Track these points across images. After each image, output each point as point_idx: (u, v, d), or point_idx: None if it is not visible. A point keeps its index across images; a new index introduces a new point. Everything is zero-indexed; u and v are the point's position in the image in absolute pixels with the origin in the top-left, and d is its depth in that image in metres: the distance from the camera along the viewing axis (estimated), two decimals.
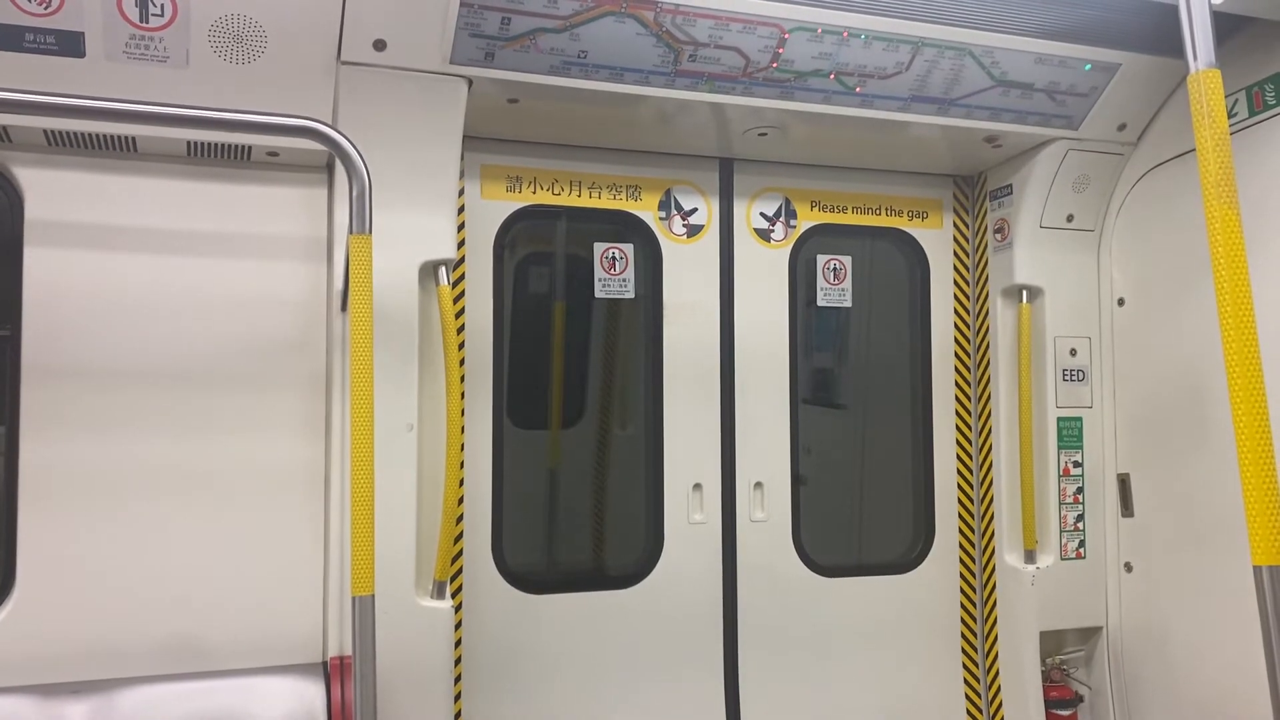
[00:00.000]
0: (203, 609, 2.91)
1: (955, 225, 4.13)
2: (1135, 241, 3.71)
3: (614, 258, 3.70)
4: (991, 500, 3.94)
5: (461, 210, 3.37)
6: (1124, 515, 3.75)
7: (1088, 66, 3.34)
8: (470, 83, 2.95)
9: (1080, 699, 3.84)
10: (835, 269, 4.00)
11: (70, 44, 2.57)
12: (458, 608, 3.30)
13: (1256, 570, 1.91)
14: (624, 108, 3.24)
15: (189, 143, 2.88)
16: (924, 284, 4.10)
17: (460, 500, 3.29)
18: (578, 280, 3.75)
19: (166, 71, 2.66)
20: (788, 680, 3.80)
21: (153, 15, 2.59)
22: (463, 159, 3.15)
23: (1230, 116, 3.20)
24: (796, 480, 3.86)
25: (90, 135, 2.80)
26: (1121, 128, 3.61)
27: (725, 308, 3.80)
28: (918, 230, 4.09)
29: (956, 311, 4.11)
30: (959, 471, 4.08)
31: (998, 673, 3.93)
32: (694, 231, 3.79)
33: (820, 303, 3.99)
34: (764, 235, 3.88)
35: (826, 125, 3.43)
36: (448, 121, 2.97)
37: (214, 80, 2.70)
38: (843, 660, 3.87)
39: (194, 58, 2.66)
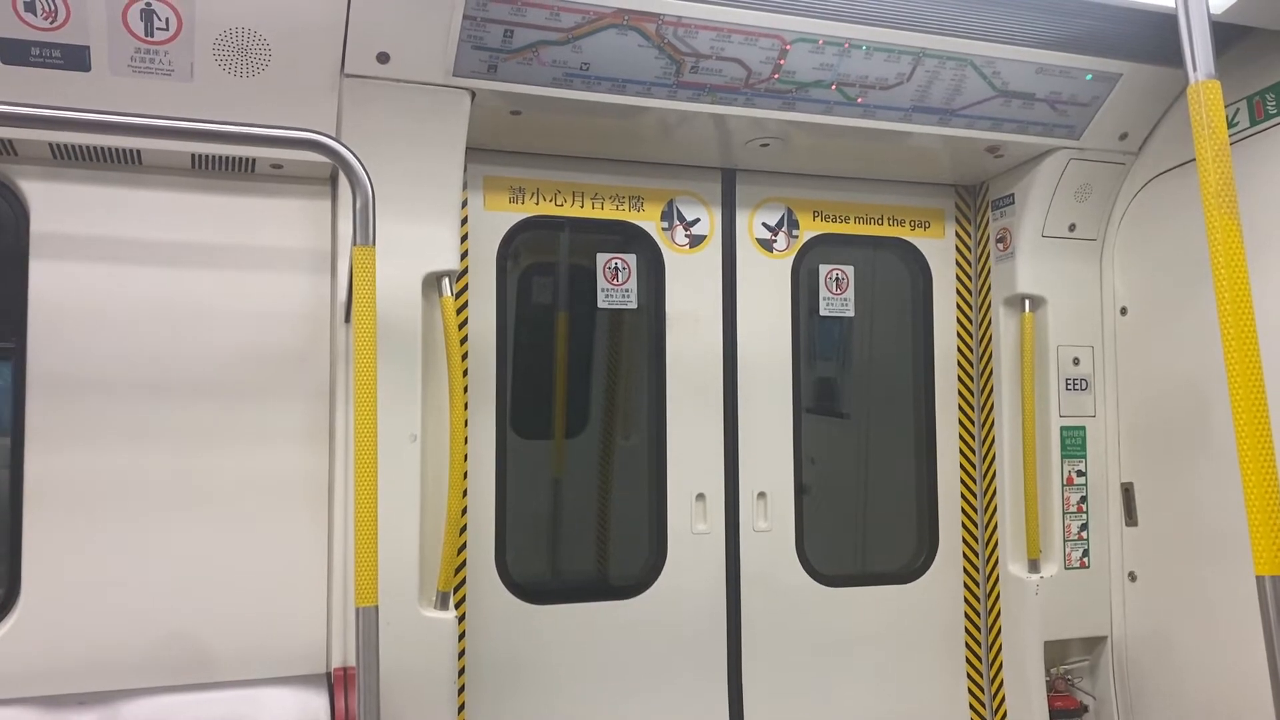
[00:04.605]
0: (207, 620, 2.92)
1: (957, 235, 4.13)
2: (1137, 250, 3.71)
3: (616, 268, 3.71)
4: (995, 509, 3.93)
5: (464, 221, 3.38)
6: (1128, 524, 3.74)
7: (1089, 76, 3.34)
8: (473, 94, 2.97)
9: (1085, 709, 3.83)
10: (838, 279, 4.00)
11: (75, 58, 2.58)
12: (461, 618, 3.29)
13: (1260, 580, 1.91)
14: (626, 119, 3.25)
15: (193, 155, 2.90)
16: (926, 293, 4.10)
17: (464, 511, 3.29)
18: (580, 291, 3.75)
19: (171, 84, 2.68)
20: (792, 690, 3.79)
21: (157, 29, 2.60)
22: (465, 170, 3.16)
23: (1231, 126, 3.20)
24: (800, 490, 3.86)
25: (95, 148, 2.81)
26: (1123, 137, 3.61)
27: (728, 318, 3.81)
28: (920, 240, 4.09)
29: (959, 321, 4.11)
30: (962, 481, 4.08)
31: (1002, 683, 3.91)
32: (696, 242, 3.79)
33: (823, 312, 4.00)
34: (766, 245, 3.89)
35: (828, 136, 3.44)
36: (451, 133, 2.98)
37: (218, 93, 2.71)
38: (847, 670, 3.86)
39: (198, 71, 2.68)
